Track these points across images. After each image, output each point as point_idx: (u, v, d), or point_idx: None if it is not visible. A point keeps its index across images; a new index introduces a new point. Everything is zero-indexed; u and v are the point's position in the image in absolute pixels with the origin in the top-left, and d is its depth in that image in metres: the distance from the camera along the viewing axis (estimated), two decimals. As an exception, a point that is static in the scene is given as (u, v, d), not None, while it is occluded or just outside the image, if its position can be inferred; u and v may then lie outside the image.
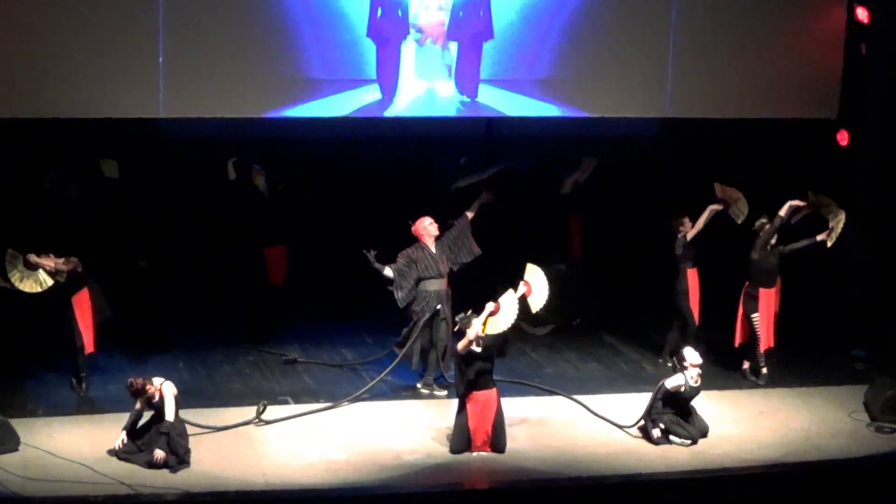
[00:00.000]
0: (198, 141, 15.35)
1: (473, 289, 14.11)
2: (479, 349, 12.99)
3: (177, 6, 14.30)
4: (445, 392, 14.47)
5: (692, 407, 13.63)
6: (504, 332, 13.15)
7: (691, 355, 13.53)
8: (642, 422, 13.60)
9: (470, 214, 14.92)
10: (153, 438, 12.58)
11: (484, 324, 12.98)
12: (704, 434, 13.56)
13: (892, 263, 15.74)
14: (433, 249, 14.69)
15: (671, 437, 13.46)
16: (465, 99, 15.26)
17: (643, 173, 17.61)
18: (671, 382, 13.47)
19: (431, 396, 14.62)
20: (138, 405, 12.74)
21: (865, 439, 13.78)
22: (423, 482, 12.64)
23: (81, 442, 12.99)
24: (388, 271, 14.50)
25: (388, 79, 15.05)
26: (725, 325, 15.40)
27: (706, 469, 13.01)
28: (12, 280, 13.87)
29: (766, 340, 15.12)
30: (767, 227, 14.98)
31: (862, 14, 15.73)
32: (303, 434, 13.50)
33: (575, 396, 14.45)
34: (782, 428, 13.98)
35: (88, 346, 14.18)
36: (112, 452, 12.67)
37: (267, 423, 13.61)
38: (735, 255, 15.29)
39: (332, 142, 15.65)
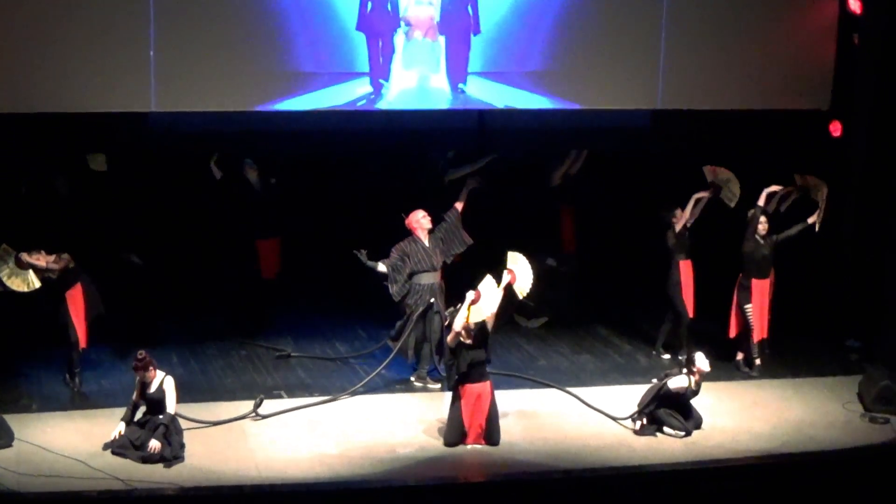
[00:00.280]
0: (188, 134, 15.31)
1: (467, 282, 14.07)
2: (469, 340, 12.98)
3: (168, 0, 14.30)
4: (439, 385, 14.47)
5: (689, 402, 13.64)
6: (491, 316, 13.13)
7: (702, 362, 13.47)
8: (636, 416, 13.58)
9: (459, 205, 14.92)
10: (149, 430, 12.56)
11: (468, 313, 12.98)
12: (698, 426, 13.56)
13: (885, 254, 15.74)
14: (426, 243, 14.68)
15: (665, 429, 13.46)
16: (457, 92, 15.26)
17: (634, 165, 17.59)
18: (675, 384, 13.42)
19: (425, 390, 14.62)
20: (135, 395, 12.73)
21: (859, 430, 13.79)
22: (417, 475, 12.64)
23: (75, 437, 12.97)
24: (381, 267, 14.49)
25: (378, 72, 15.04)
26: (720, 317, 15.40)
27: (700, 461, 13.02)
28: (1, 276, 13.84)
29: (759, 331, 15.13)
30: (761, 216, 14.99)
31: (854, 4, 15.71)
32: (297, 428, 13.49)
33: (569, 389, 14.45)
34: (776, 419, 13.99)
35: (82, 341, 14.16)
36: (107, 446, 12.66)
37: (263, 417, 13.60)
38: (729, 247, 15.29)
39: (324, 135, 15.63)
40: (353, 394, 14.33)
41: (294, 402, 14.02)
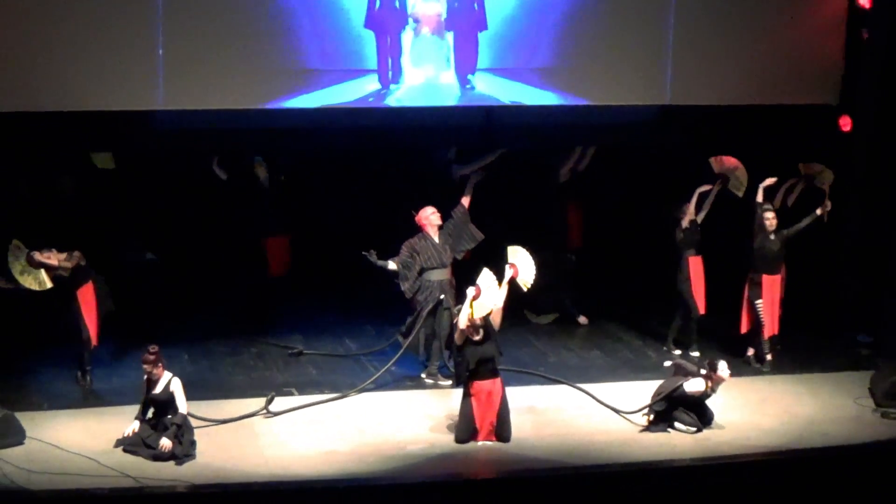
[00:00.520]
0: (196, 132, 15.32)
1: (476, 278, 14.07)
2: (477, 337, 12.97)
3: (176, -2, 14.33)
4: (450, 382, 14.46)
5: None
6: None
7: (724, 371, 13.39)
8: (646, 410, 13.56)
9: (466, 200, 14.92)
10: (161, 429, 12.57)
11: (471, 309, 12.99)
12: (709, 423, 13.54)
13: (894, 248, 15.71)
14: (436, 239, 14.69)
15: (676, 425, 13.45)
16: (465, 88, 15.25)
17: (643, 160, 17.57)
18: (690, 387, 13.36)
19: (436, 386, 14.62)
20: (145, 392, 12.72)
21: (870, 425, 13.77)
22: (428, 472, 12.64)
23: (86, 435, 12.98)
24: (391, 265, 14.50)
25: (387, 69, 15.04)
26: (731, 313, 15.38)
27: (710, 456, 13.01)
28: (13, 271, 13.84)
29: (770, 327, 15.11)
30: (765, 213, 14.97)
31: (863, -1, 15.72)
32: (307, 425, 13.49)
33: (578, 385, 14.44)
34: (786, 415, 13.97)
35: (93, 339, 14.18)
36: (118, 443, 12.67)
37: (274, 414, 13.60)
38: (740, 242, 15.26)
39: (332, 132, 15.63)
40: (364, 391, 14.32)
41: (304, 400, 14.02)
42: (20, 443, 12.74)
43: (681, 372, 13.66)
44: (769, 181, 15.11)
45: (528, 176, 17.21)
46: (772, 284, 15.04)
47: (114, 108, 14.37)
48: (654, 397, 13.56)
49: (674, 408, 13.43)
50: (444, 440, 13.20)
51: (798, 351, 15.59)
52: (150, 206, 16.79)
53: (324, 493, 12.21)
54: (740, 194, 15.33)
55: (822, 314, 16.23)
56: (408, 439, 13.24)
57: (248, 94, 14.74)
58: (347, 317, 16.58)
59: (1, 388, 13.85)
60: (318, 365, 15.22)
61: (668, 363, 14.61)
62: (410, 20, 15.05)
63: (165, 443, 12.45)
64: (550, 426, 13.61)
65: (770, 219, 14.99)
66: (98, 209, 16.33)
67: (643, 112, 16.10)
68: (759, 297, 15.02)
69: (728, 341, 15.57)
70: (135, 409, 12.87)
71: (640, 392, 13.97)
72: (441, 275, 14.61)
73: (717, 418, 13.62)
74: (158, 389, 12.68)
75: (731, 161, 15.44)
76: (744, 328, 15.29)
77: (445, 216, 14.80)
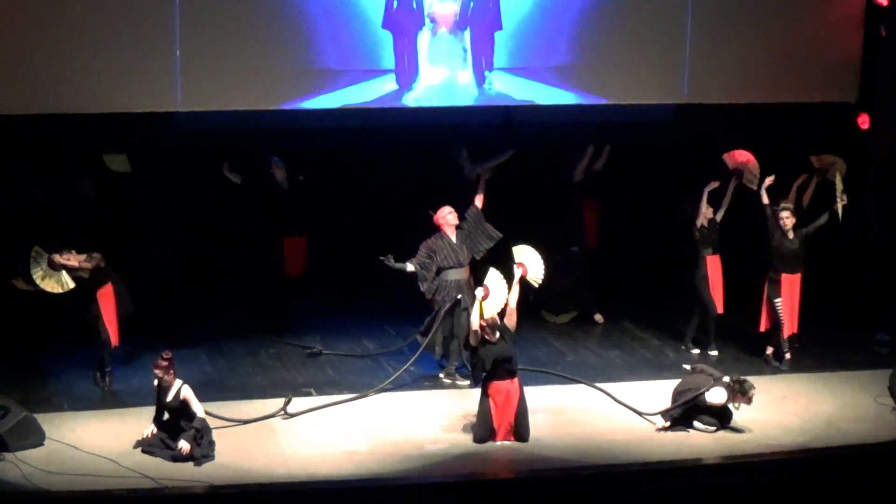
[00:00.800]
0: (214, 133, 15.35)
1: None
2: (493, 338, 12.97)
3: (193, -1, 14.36)
4: (468, 382, 14.45)
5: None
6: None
7: (750, 394, 13.31)
8: (665, 416, 13.52)
9: (479, 199, 14.90)
10: (179, 432, 12.59)
11: (481, 310, 12.98)
12: (728, 422, 13.51)
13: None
14: (453, 239, 14.69)
15: (696, 423, 13.42)
16: (482, 87, 15.26)
17: (660, 159, 17.54)
18: (712, 398, 13.29)
19: (454, 386, 14.62)
20: (157, 397, 12.75)
21: (890, 424, 13.70)
22: (447, 472, 12.64)
23: (105, 436, 13.01)
24: (409, 267, 14.52)
25: (404, 69, 15.07)
26: (750, 311, 15.35)
27: (729, 455, 12.98)
28: (34, 277, 13.88)
29: (789, 327, 15.06)
30: (781, 213, 14.93)
31: (880, -4, 15.69)
32: (325, 425, 13.50)
33: (597, 384, 14.43)
34: (806, 413, 13.93)
35: (113, 340, 14.22)
36: (138, 444, 12.70)
37: (292, 415, 13.62)
38: (759, 241, 15.21)
39: (351, 132, 15.65)
40: (382, 391, 14.33)
41: (323, 400, 14.03)
42: (40, 444, 12.78)
43: (703, 377, 13.56)
44: (769, 181, 15.04)
45: (543, 175, 17.20)
46: (791, 283, 15.00)
47: (132, 110, 14.42)
48: (673, 399, 13.53)
49: (694, 413, 13.40)
50: (463, 440, 13.21)
51: (817, 349, 15.55)
52: (169, 207, 16.81)
53: (343, 493, 12.22)
54: (754, 188, 15.26)
55: (841, 312, 16.20)
56: (426, 439, 13.24)
57: (266, 95, 14.78)
58: (365, 317, 16.59)
59: (21, 390, 13.90)
60: (335, 365, 15.23)
61: (687, 367, 14.56)
62: (428, 20, 15.07)
63: (184, 445, 12.46)
64: (569, 426, 13.60)
65: (786, 218, 14.94)
66: (118, 211, 16.35)
67: (660, 110, 16.09)
68: (779, 296, 14.98)
69: (747, 340, 15.54)
70: (154, 409, 12.88)
71: (659, 391, 13.95)
72: (458, 274, 14.62)
73: (737, 417, 13.58)
74: (169, 397, 12.66)
75: (742, 155, 15.39)
76: (763, 327, 15.26)
77: (461, 217, 14.80)
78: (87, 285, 14.05)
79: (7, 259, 14.48)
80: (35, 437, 12.81)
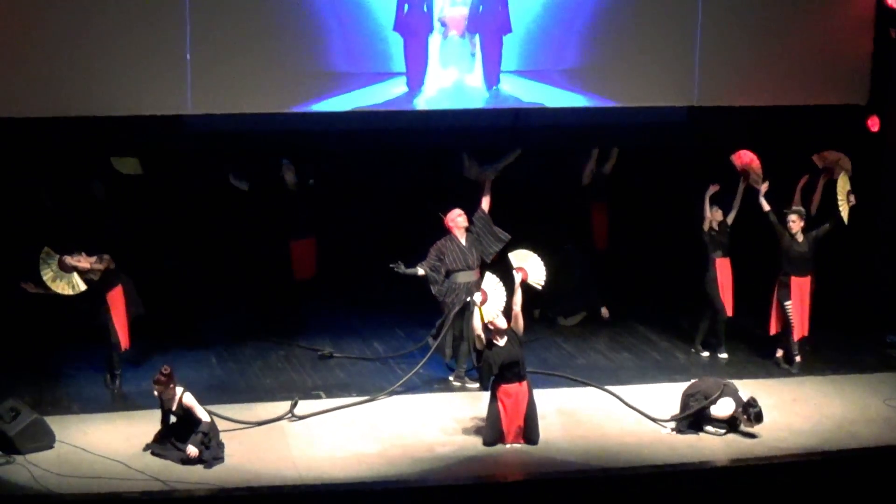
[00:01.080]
0: (225, 135, 15.38)
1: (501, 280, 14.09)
2: (500, 341, 12.97)
3: (203, 2, 14.33)
4: (477, 384, 14.44)
5: None
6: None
7: (757, 421, 13.27)
8: (674, 426, 13.52)
9: (486, 202, 14.89)
10: (188, 434, 12.60)
11: (481, 314, 12.99)
12: (737, 424, 13.49)
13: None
14: (463, 242, 14.69)
15: (706, 427, 13.41)
16: (492, 90, 15.27)
17: (670, 161, 17.53)
18: (719, 411, 13.28)
19: (463, 389, 14.61)
20: (161, 407, 12.76)
21: (901, 427, 13.73)
22: (456, 475, 12.63)
23: (115, 438, 13.03)
24: (420, 271, 14.52)
25: (414, 72, 15.09)
26: (760, 314, 15.33)
27: (739, 458, 12.97)
28: (45, 278, 13.89)
29: (799, 329, 15.04)
30: (789, 217, 14.91)
31: (891, -2, 15.67)
32: (335, 428, 13.51)
33: (607, 387, 14.41)
34: (816, 416, 13.92)
35: (123, 342, 14.24)
36: (147, 447, 12.72)
37: (300, 418, 13.63)
38: (770, 244, 15.19)
39: (361, 135, 15.66)
40: (392, 393, 14.34)
41: (333, 402, 14.04)
42: (50, 446, 12.80)
43: (712, 381, 13.55)
44: (764, 188, 15.01)
45: (550, 178, 17.19)
46: (801, 286, 14.98)
47: (143, 113, 14.44)
48: (681, 402, 13.51)
49: (701, 422, 13.40)
50: (473, 442, 13.20)
51: (827, 352, 15.54)
52: (180, 209, 16.82)
53: (352, 495, 12.23)
54: (759, 186, 15.22)
55: (852, 315, 16.17)
56: (436, 441, 13.24)
57: (277, 98, 14.80)
58: (375, 320, 16.60)
59: (31, 392, 13.92)
60: (345, 368, 15.24)
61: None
62: (438, 23, 15.09)
63: (191, 450, 12.46)
64: (579, 428, 13.60)
65: (792, 222, 14.91)
66: (129, 213, 16.37)
67: (671, 113, 16.08)
68: (788, 298, 14.96)
69: (757, 342, 15.52)
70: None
71: (669, 394, 13.94)
72: (467, 277, 14.61)
73: (747, 420, 13.60)
74: (173, 407, 12.70)
75: (746, 156, 15.35)
76: (773, 330, 15.23)
77: (470, 222, 14.79)
78: (97, 287, 14.07)
79: (17, 262, 14.49)
80: (45, 440, 12.84)
